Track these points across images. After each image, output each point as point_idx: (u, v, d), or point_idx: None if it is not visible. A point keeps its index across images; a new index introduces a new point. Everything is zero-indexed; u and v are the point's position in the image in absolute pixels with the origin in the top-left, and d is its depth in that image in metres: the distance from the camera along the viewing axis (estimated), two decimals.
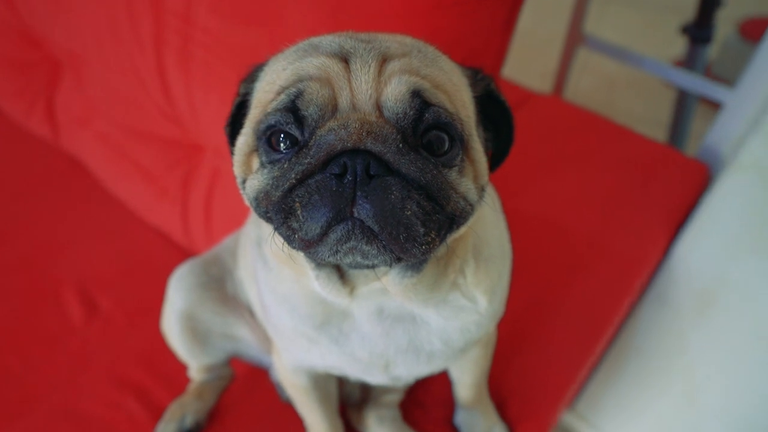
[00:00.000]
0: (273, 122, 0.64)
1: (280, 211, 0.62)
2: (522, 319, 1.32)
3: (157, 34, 1.34)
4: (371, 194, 0.59)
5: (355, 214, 0.59)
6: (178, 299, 1.11)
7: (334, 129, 0.61)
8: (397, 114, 0.63)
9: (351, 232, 0.60)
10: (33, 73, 1.79)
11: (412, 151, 0.63)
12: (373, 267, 0.71)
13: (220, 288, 1.14)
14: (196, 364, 1.22)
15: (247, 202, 0.71)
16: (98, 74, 1.58)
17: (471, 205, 0.68)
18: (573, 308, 1.36)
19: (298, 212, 0.60)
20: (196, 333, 1.14)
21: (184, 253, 1.58)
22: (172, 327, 1.14)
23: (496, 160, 0.83)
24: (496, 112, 0.78)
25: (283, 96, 0.64)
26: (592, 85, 3.36)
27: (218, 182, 1.49)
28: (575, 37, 1.83)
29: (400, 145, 0.62)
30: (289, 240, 0.63)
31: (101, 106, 1.65)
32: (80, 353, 1.42)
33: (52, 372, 1.38)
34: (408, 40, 0.71)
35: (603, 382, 1.98)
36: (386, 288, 0.76)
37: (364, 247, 0.61)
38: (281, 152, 0.65)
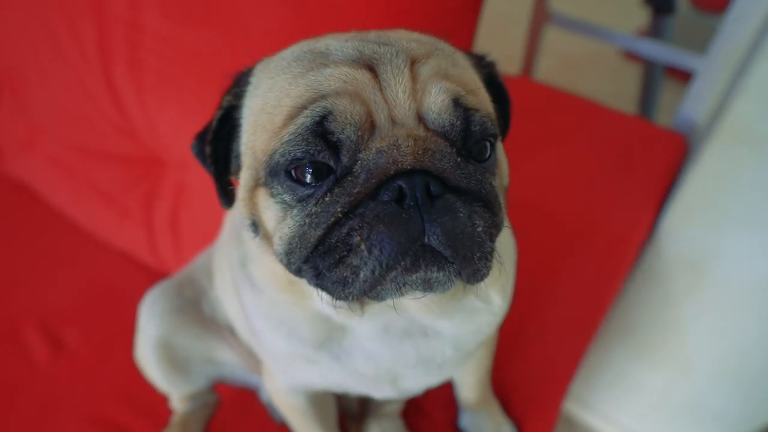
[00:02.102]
0: (300, 155, 0.55)
1: (330, 251, 0.54)
2: (517, 311, 1.27)
3: (101, 43, 1.25)
4: (439, 217, 0.53)
5: (426, 241, 0.53)
6: (152, 327, 1.03)
7: (383, 150, 0.54)
8: (444, 126, 0.57)
9: (420, 260, 0.54)
10: None
11: (468, 164, 0.58)
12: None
13: (197, 310, 1.06)
14: (177, 394, 1.14)
15: (274, 256, 0.62)
16: (40, 92, 1.47)
17: (505, 212, 0.65)
18: (567, 294, 1.33)
19: (362, 246, 0.53)
20: (175, 361, 1.06)
21: (153, 275, 1.50)
22: (147, 357, 1.06)
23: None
24: (493, 95, 0.73)
25: (303, 118, 0.55)
26: (552, 66, 3.36)
27: (184, 197, 1.41)
28: (541, 15, 1.80)
29: (458, 159, 0.56)
30: (343, 285, 0.55)
31: (47, 126, 1.54)
32: (48, 395, 1.32)
33: (21, 419, 1.28)
34: (422, 37, 0.65)
35: (595, 362, 1.97)
36: (401, 304, 0.70)
37: (434, 274, 0.55)
38: (311, 185, 0.57)
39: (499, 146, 0.66)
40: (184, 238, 1.43)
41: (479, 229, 0.56)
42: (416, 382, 0.83)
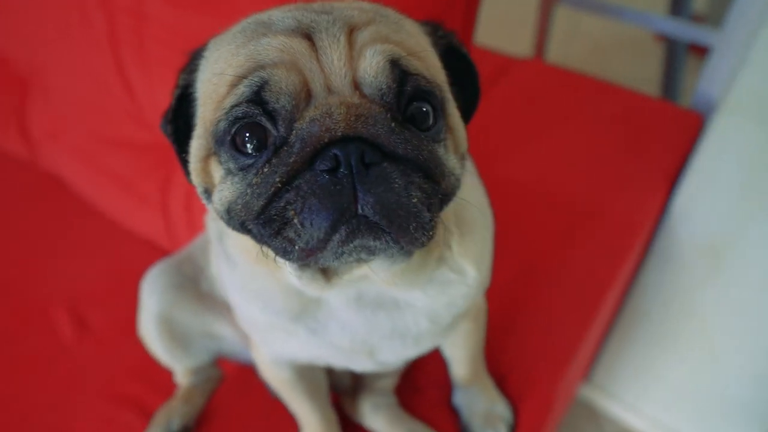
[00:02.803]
0: (240, 114, 0.56)
1: (268, 222, 0.56)
2: (516, 292, 1.27)
3: (111, 33, 1.31)
4: (373, 186, 0.54)
5: (360, 211, 0.54)
6: (152, 302, 1.08)
7: (316, 119, 0.55)
8: (380, 89, 0.57)
9: (356, 231, 0.54)
10: (1, 92, 1.76)
11: (404, 130, 0.57)
12: (365, 259, 0.66)
13: (194, 287, 1.10)
14: (180, 368, 1.19)
15: (216, 215, 0.64)
16: (62, 85, 1.55)
17: (458, 180, 0.64)
18: (569, 276, 1.31)
19: (295, 220, 0.54)
20: (175, 335, 1.11)
21: None
22: (149, 332, 1.11)
23: (464, 116, 0.78)
24: (458, 66, 0.72)
25: (241, 88, 0.57)
26: (582, 50, 3.29)
27: None
28: None
29: (392, 124, 0.56)
30: (285, 252, 0.57)
31: (70, 117, 1.62)
32: (73, 372, 1.39)
33: (45, 394, 1.35)
34: (366, 5, 0.65)
35: (616, 350, 1.93)
36: (369, 275, 0.71)
37: (371, 243, 0.56)
38: (251, 155, 0.58)
39: (454, 113, 0.65)
40: (197, 221, 1.48)
41: (414, 199, 0.55)
42: (393, 354, 0.83)
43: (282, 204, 0.55)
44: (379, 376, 1.13)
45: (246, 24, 0.63)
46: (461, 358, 1.05)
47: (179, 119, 0.69)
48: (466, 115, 0.77)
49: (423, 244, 0.58)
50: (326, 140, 0.54)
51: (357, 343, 0.81)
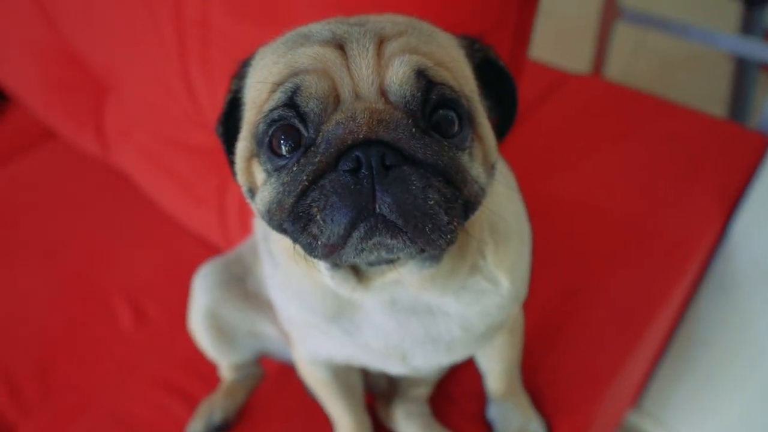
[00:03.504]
0: (276, 116, 0.61)
1: (297, 219, 0.60)
2: (559, 310, 1.26)
3: (179, 42, 1.39)
4: (391, 186, 0.57)
5: (377, 210, 0.57)
6: (201, 297, 1.13)
7: (341, 122, 0.58)
8: (405, 97, 0.60)
9: (375, 228, 0.57)
10: (81, 93, 1.89)
11: (426, 136, 0.60)
12: (393, 261, 0.69)
13: (242, 285, 1.15)
14: (225, 363, 1.24)
15: (259, 216, 0.68)
16: (133, 89, 1.65)
17: (483, 188, 0.66)
18: (616, 296, 1.28)
19: (317, 217, 0.58)
20: (222, 331, 1.16)
21: None
22: (198, 326, 1.16)
23: (501, 129, 0.79)
24: (496, 79, 0.75)
25: (278, 93, 0.61)
26: (649, 66, 3.19)
27: None
28: (611, 11, 1.73)
29: (413, 130, 0.59)
30: (310, 248, 0.60)
31: (140, 119, 1.72)
32: (129, 358, 1.48)
33: (102, 377, 1.44)
34: (400, 18, 0.68)
35: (670, 378, 1.86)
36: (401, 280, 0.73)
37: (389, 241, 0.58)
38: (285, 156, 0.62)
39: (484, 123, 0.67)
40: (250, 224, 1.54)
41: (431, 201, 0.57)
42: (425, 359, 0.85)
43: (308, 201, 0.59)
44: (414, 384, 1.14)
45: (288, 36, 0.68)
46: (497, 371, 1.05)
47: (230, 122, 0.74)
48: (504, 128, 0.78)
49: (441, 247, 0.60)
50: (349, 142, 0.57)
51: (390, 347, 0.83)
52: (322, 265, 0.72)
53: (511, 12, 1.17)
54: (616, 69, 3.09)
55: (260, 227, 0.91)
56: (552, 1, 3.55)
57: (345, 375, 1.03)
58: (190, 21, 1.33)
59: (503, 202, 0.84)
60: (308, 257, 0.64)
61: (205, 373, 1.38)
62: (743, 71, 1.92)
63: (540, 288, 1.25)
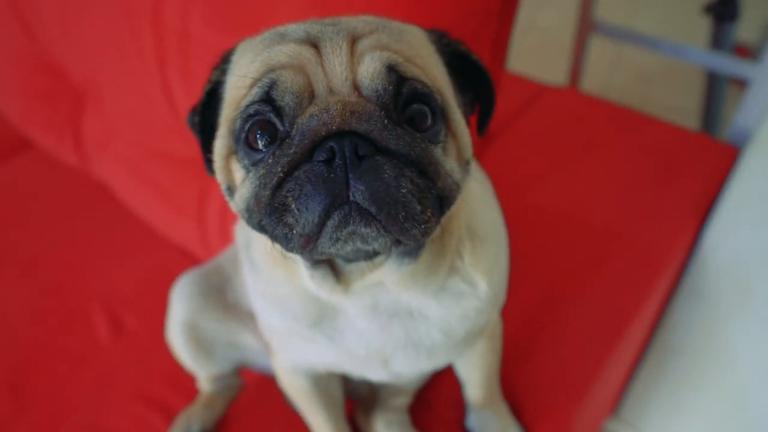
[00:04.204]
0: (252, 111, 0.63)
1: (273, 211, 0.60)
2: (537, 317, 1.27)
3: (159, 52, 1.38)
4: (364, 175, 0.58)
5: (351, 198, 0.58)
6: (179, 309, 1.13)
7: (315, 114, 0.60)
8: (377, 91, 0.62)
9: (349, 216, 0.58)
10: (59, 103, 1.87)
11: (398, 127, 0.61)
12: (371, 256, 0.70)
13: (221, 296, 1.14)
14: (203, 374, 1.23)
15: (238, 214, 0.69)
16: (113, 99, 1.64)
17: (457, 183, 0.67)
18: (592, 304, 1.30)
19: (292, 206, 0.59)
20: (200, 342, 1.15)
21: None
22: (176, 337, 1.15)
23: (481, 123, 0.80)
24: (472, 73, 0.76)
25: (256, 89, 0.63)
26: (624, 79, 3.25)
27: None
28: (586, 25, 1.77)
29: (386, 121, 0.60)
30: (287, 241, 0.61)
31: (119, 129, 1.71)
32: (107, 371, 1.45)
33: (79, 390, 1.42)
34: (372, 18, 0.70)
35: (646, 385, 1.88)
36: (383, 280, 0.74)
37: (363, 230, 0.59)
38: (262, 151, 0.63)
39: (458, 119, 0.68)
40: (230, 233, 1.53)
41: (404, 189, 0.58)
42: (407, 364, 0.85)
43: (284, 192, 0.60)
44: (393, 393, 1.14)
45: (267, 34, 0.69)
46: (476, 379, 1.06)
47: (206, 118, 0.75)
48: (484, 121, 0.79)
49: (415, 237, 0.61)
50: (323, 133, 0.58)
51: (372, 351, 0.83)
52: (301, 264, 0.73)
53: (489, 25, 1.19)
54: (593, 81, 3.15)
55: (241, 234, 0.91)
56: (530, 15, 3.62)
57: (326, 384, 1.03)
58: (170, 31, 1.33)
59: (481, 206, 0.86)
60: (287, 254, 0.64)
61: (183, 384, 1.36)
62: (713, 84, 1.96)
63: (518, 296, 1.27)
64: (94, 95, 1.74)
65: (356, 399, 1.19)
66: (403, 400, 1.15)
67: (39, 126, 1.95)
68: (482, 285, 0.81)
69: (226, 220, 1.54)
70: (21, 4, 1.71)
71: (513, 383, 1.17)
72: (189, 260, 1.68)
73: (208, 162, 0.73)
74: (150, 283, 1.65)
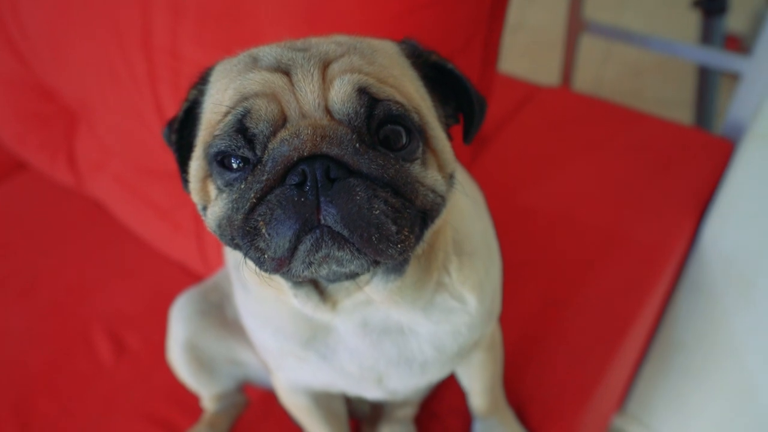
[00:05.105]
0: (223, 147, 0.62)
1: (245, 234, 0.60)
2: (538, 321, 1.26)
3: (150, 72, 1.37)
4: (335, 198, 0.57)
5: (322, 221, 0.57)
6: (179, 329, 1.12)
7: (286, 139, 0.59)
8: (348, 114, 0.61)
9: (321, 240, 0.57)
10: (52, 124, 1.87)
11: (370, 150, 0.60)
12: (353, 277, 0.68)
13: (220, 313, 1.13)
14: (206, 394, 1.21)
15: (211, 231, 0.68)
16: (106, 119, 1.63)
17: (441, 196, 0.66)
18: (593, 306, 1.29)
19: (263, 231, 0.58)
20: (201, 362, 1.14)
21: None
22: (177, 357, 1.14)
23: (468, 131, 0.78)
24: (452, 83, 0.74)
25: (229, 117, 0.62)
26: (616, 74, 3.25)
27: None
28: (576, 24, 1.76)
29: (357, 145, 0.59)
30: (259, 263, 0.60)
31: (113, 149, 1.70)
32: (111, 393, 1.44)
33: (84, 412, 1.40)
34: (344, 38, 0.69)
35: (651, 380, 1.87)
36: (370, 298, 0.73)
37: (336, 253, 0.58)
38: (236, 170, 0.63)
39: (438, 135, 0.67)
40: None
41: (377, 211, 0.58)
42: (401, 381, 0.84)
43: (255, 217, 0.59)
44: (398, 405, 1.13)
45: (241, 57, 0.68)
46: (478, 389, 1.05)
47: (184, 136, 0.74)
48: (469, 130, 0.77)
49: (393, 257, 0.60)
50: (295, 158, 0.58)
51: (365, 370, 0.82)
52: (284, 284, 0.72)
53: (479, 32, 1.18)
54: (585, 79, 3.14)
55: (231, 255, 0.90)
56: (520, 15, 3.62)
57: (326, 401, 1.01)
58: (160, 51, 1.32)
59: (469, 220, 0.84)
60: (265, 274, 0.64)
61: (188, 404, 1.35)
62: (705, 78, 1.95)
63: (519, 300, 1.26)
64: (87, 116, 1.73)
65: (360, 417, 1.17)
66: (409, 411, 1.14)
67: (33, 147, 1.94)
68: (472, 301, 0.80)
69: None
70: (10, 29, 1.70)
71: (518, 389, 1.16)
72: (189, 277, 1.67)
73: (185, 181, 0.73)
74: (151, 301, 1.64)
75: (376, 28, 1.13)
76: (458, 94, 0.74)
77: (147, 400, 1.41)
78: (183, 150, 0.74)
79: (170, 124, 0.76)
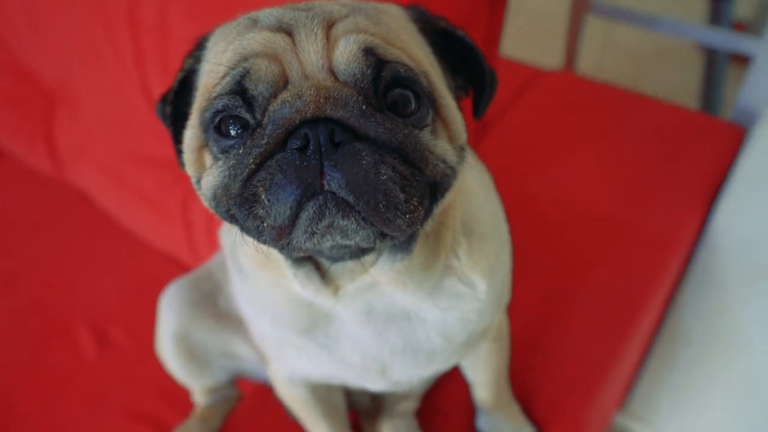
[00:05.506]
0: (220, 107, 0.60)
1: (243, 203, 0.58)
2: (544, 312, 1.26)
3: (136, 51, 1.35)
4: (340, 162, 0.55)
5: (326, 187, 0.55)
6: (169, 319, 1.10)
7: (287, 101, 0.57)
8: (354, 75, 0.59)
9: (324, 207, 0.55)
10: (30, 107, 1.84)
11: (377, 113, 0.59)
12: (357, 255, 0.67)
13: (212, 304, 1.12)
14: (198, 387, 1.20)
15: (205, 203, 0.66)
16: (89, 102, 1.61)
17: (452, 168, 0.64)
18: (601, 296, 1.29)
19: (263, 197, 0.56)
20: (193, 353, 1.13)
21: None
22: (166, 349, 1.13)
23: (478, 105, 0.76)
24: (462, 52, 0.72)
25: (228, 78, 0.60)
26: (617, 60, 3.25)
27: None
28: (581, 5, 1.76)
29: (363, 107, 0.58)
30: (258, 233, 0.58)
31: (97, 133, 1.67)
32: (95, 389, 1.43)
33: (67, 409, 1.39)
34: (347, 0, 0.67)
35: (655, 377, 1.87)
36: (375, 280, 0.72)
37: (341, 221, 0.56)
38: (233, 137, 0.61)
39: (448, 103, 0.66)
40: (218, 237, 1.51)
41: (384, 177, 0.56)
42: (406, 372, 0.83)
43: (254, 183, 0.57)
44: (399, 398, 1.13)
45: (240, 20, 0.67)
46: (483, 381, 1.04)
47: (178, 108, 0.72)
48: (479, 104, 0.76)
49: (401, 228, 0.58)
50: (297, 121, 0.56)
51: (368, 359, 0.81)
52: (284, 264, 0.70)
53: (481, 13, 1.18)
54: (584, 63, 3.14)
55: (227, 238, 0.89)
56: None
57: (325, 393, 1.01)
58: (148, 27, 1.30)
59: (479, 202, 0.83)
60: (264, 250, 0.62)
61: (177, 399, 1.34)
62: (713, 63, 1.96)
63: (524, 291, 1.25)
64: (68, 98, 1.70)
65: (359, 410, 1.17)
66: (410, 405, 1.13)
67: (7, 132, 1.91)
68: (482, 286, 0.79)
69: (213, 223, 1.52)
70: None
71: (523, 382, 1.16)
72: (176, 267, 1.65)
73: (180, 153, 0.70)
74: (135, 293, 1.63)
75: None
76: (468, 65, 0.73)
77: (133, 395, 1.40)
78: (178, 123, 0.72)
79: (164, 97, 0.74)
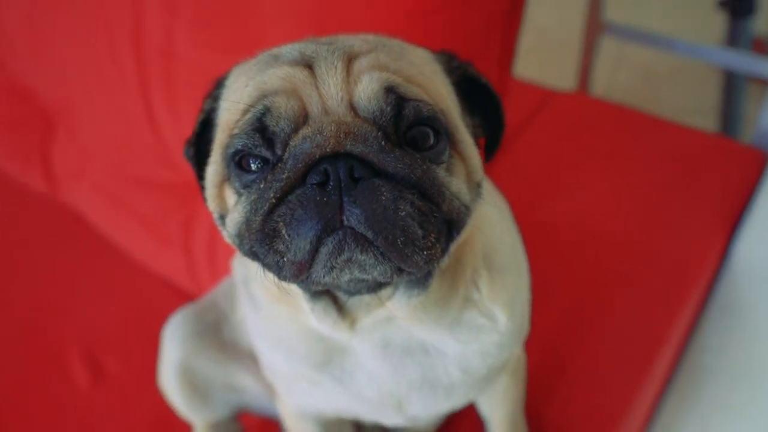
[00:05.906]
0: (240, 146, 0.63)
1: (264, 238, 0.60)
2: (561, 343, 1.26)
3: (140, 73, 1.38)
4: (360, 198, 0.57)
5: (345, 222, 0.58)
6: (173, 350, 1.11)
7: (308, 136, 0.60)
8: (374, 112, 0.62)
9: (343, 242, 0.58)
10: (26, 128, 1.86)
11: (396, 148, 0.61)
12: (374, 290, 0.69)
13: (217, 335, 1.13)
14: (200, 421, 1.20)
15: (228, 241, 0.69)
16: (89, 122, 1.63)
17: (466, 206, 0.66)
18: (619, 329, 1.29)
19: (283, 232, 0.58)
20: (196, 386, 1.13)
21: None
22: (169, 381, 1.13)
23: (490, 148, 0.81)
24: (480, 95, 0.76)
25: (248, 115, 0.63)
26: (631, 79, 3.28)
27: None
28: (595, 26, 1.79)
29: (383, 143, 0.60)
30: (278, 269, 0.61)
31: (95, 155, 1.69)
32: (88, 420, 1.43)
33: None
34: (371, 36, 0.70)
35: (675, 411, 1.86)
36: (392, 314, 0.73)
37: (359, 257, 0.58)
38: (254, 171, 0.63)
39: (465, 140, 0.68)
40: (220, 264, 1.51)
41: (403, 213, 0.58)
42: (423, 407, 0.84)
43: (275, 218, 0.59)
44: None
45: (260, 57, 0.70)
46: (499, 417, 1.04)
47: (200, 145, 0.75)
48: (492, 146, 0.80)
49: (418, 265, 0.60)
50: (317, 156, 0.58)
51: (385, 394, 0.82)
52: (300, 297, 0.72)
53: (495, 38, 1.21)
54: (598, 80, 3.17)
55: (240, 269, 0.90)
56: (533, 16, 3.65)
57: (337, 428, 1.01)
58: (153, 49, 1.33)
59: (498, 234, 0.85)
60: (283, 286, 0.64)
61: (173, 428, 1.33)
62: (731, 84, 1.98)
63: (541, 322, 1.25)
64: (67, 119, 1.73)
65: None
66: None
67: (3, 152, 1.93)
68: (502, 318, 0.81)
69: (215, 248, 1.53)
70: None
71: (540, 418, 1.15)
72: (174, 293, 1.65)
73: (203, 189, 0.73)
74: (132, 320, 1.63)
75: (389, 29, 1.14)
76: (484, 109, 0.76)
77: (128, 429, 1.39)
78: (200, 161, 0.75)
79: (189, 140, 0.78)
